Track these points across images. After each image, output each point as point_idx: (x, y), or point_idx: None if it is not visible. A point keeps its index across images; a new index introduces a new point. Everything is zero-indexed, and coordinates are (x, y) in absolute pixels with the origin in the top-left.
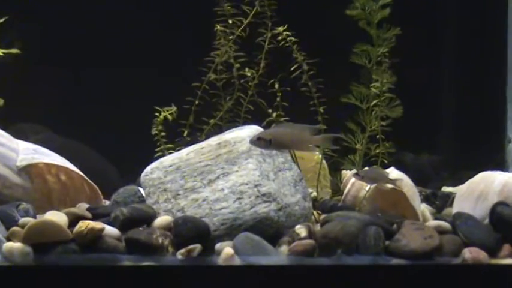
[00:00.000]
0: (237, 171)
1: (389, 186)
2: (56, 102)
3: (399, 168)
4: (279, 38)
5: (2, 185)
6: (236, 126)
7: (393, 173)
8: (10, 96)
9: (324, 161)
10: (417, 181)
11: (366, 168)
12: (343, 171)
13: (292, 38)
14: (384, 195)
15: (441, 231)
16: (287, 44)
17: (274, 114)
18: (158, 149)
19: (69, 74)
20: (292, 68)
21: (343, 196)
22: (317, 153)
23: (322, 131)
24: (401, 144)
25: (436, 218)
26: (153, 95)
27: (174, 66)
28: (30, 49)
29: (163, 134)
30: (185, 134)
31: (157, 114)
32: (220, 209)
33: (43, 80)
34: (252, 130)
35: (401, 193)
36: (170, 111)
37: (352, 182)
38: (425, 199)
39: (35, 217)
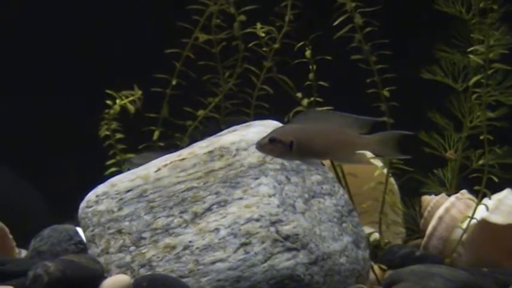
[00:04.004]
0: (241, 198)
1: None
2: None
3: None
4: None
5: None
6: (242, 122)
7: (508, 200)
8: None
9: (391, 180)
10: None
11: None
12: (425, 197)
13: None
14: (496, 236)
15: None
16: None
17: (305, 101)
18: (110, 161)
19: None
20: (336, 23)
21: (426, 239)
22: (379, 165)
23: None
24: None
25: None
26: (97, 72)
27: (126, 22)
28: None
29: (118, 136)
30: (155, 136)
31: (108, 102)
32: (213, 262)
33: None
34: (265, 128)
35: None
36: (131, 98)
37: (440, 216)
38: None
39: None
